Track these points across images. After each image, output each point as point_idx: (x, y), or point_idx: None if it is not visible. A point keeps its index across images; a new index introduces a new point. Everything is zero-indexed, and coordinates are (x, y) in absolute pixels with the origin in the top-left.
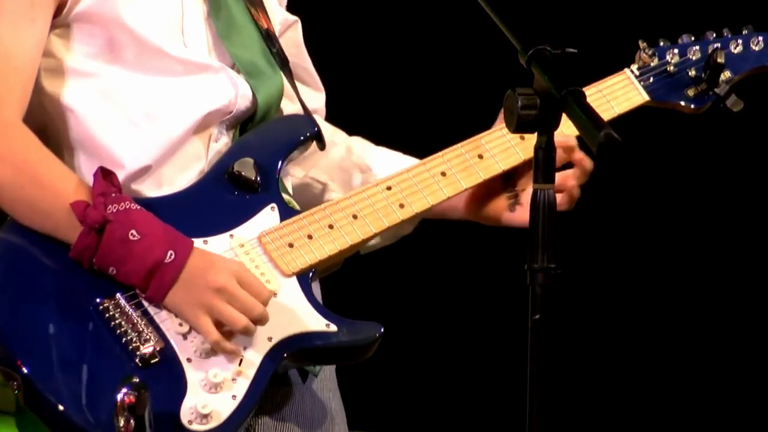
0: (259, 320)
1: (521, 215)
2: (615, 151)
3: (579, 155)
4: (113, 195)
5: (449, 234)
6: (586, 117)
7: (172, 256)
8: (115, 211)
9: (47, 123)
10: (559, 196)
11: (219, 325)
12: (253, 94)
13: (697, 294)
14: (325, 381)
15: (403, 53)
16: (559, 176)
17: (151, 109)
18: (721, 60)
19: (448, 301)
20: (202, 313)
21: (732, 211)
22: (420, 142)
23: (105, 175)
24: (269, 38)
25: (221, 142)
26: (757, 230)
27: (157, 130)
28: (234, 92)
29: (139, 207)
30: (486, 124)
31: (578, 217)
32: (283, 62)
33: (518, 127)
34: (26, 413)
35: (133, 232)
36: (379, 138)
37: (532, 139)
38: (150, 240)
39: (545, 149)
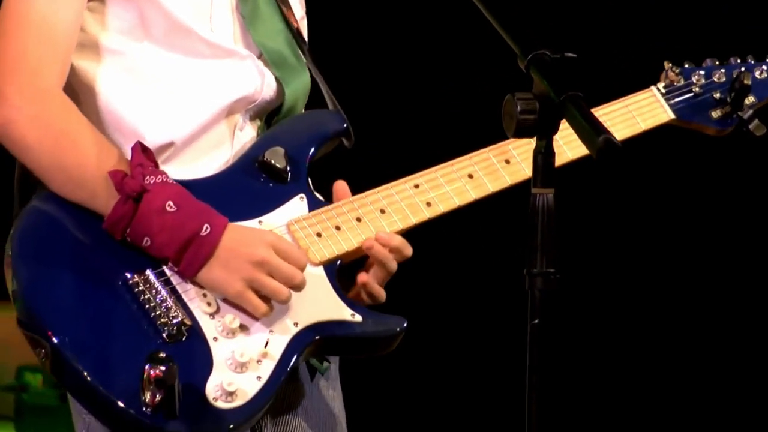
0: (299, 288)
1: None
2: (614, 157)
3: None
4: (151, 167)
5: (448, 238)
6: (585, 122)
7: (208, 230)
8: (152, 182)
9: (73, 96)
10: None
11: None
12: (280, 86)
13: (695, 297)
14: (331, 380)
15: (402, 56)
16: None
17: (177, 89)
18: (747, 82)
19: (447, 304)
20: (245, 287)
21: (730, 214)
22: (418, 144)
23: (143, 149)
24: (299, 35)
25: (246, 131)
26: (754, 232)
27: (183, 110)
28: (260, 81)
29: (174, 181)
30: (486, 128)
31: (578, 221)
32: (312, 60)
33: (517, 131)
34: (25, 418)
35: (170, 203)
36: (377, 138)
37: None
38: (186, 212)
39: (544, 154)
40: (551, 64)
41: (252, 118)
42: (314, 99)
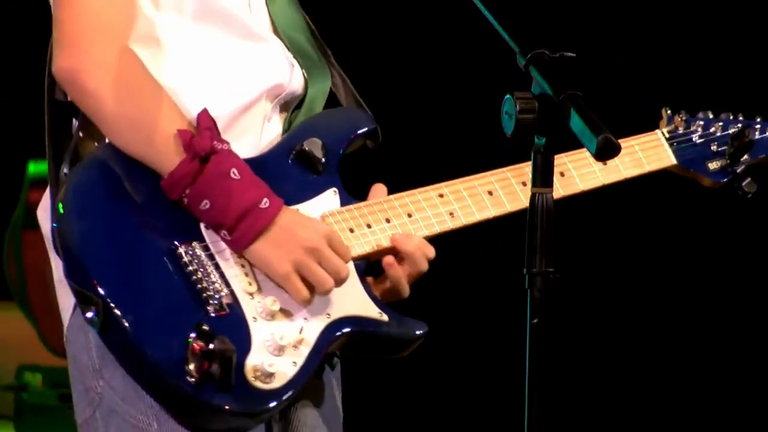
0: (342, 282)
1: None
2: (613, 156)
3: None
4: (218, 133)
5: (447, 238)
6: (584, 121)
7: (267, 204)
8: (219, 147)
9: None
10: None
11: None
12: (305, 80)
13: (694, 297)
14: (336, 376)
15: (400, 56)
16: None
17: (219, 69)
18: (752, 137)
19: (446, 305)
20: (292, 269)
21: (731, 217)
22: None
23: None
24: (318, 35)
25: (273, 121)
26: (754, 233)
27: (224, 90)
28: (290, 72)
29: (235, 153)
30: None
31: (578, 222)
32: (329, 59)
33: (516, 131)
34: (25, 417)
35: (234, 171)
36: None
37: (573, 177)
38: (249, 183)
39: (544, 153)
40: (550, 64)
41: (280, 110)
42: (330, 100)
